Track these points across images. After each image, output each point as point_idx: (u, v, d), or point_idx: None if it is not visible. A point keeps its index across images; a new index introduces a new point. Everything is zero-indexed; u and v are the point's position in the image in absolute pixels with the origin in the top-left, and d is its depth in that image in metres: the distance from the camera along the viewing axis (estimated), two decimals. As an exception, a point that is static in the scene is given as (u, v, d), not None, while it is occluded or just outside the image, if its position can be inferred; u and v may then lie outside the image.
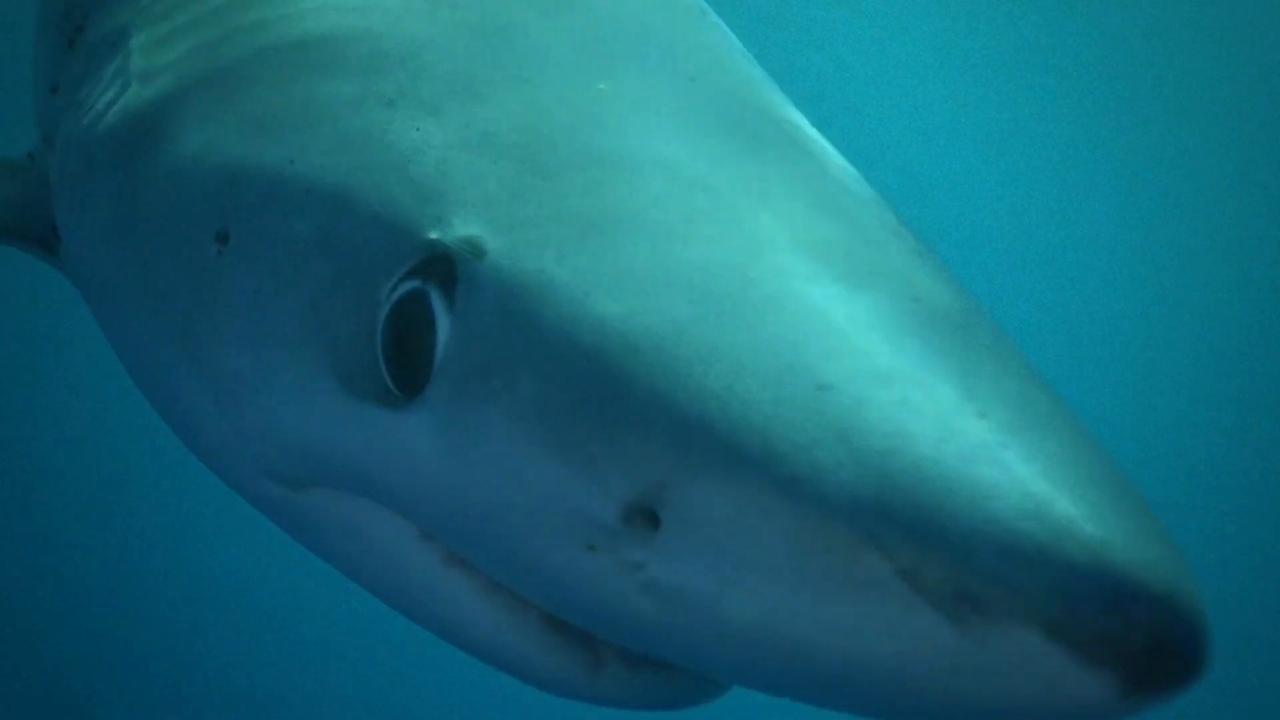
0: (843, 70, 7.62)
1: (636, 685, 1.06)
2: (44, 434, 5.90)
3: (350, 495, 1.12)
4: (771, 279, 0.93)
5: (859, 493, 0.80)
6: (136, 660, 5.72)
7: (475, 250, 0.99)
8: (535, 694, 1.15)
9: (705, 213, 1.00)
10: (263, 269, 1.13)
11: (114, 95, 1.40)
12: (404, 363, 1.02)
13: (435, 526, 1.07)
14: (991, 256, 7.15)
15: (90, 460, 5.86)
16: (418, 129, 1.11)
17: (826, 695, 0.88)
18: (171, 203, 1.23)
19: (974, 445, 0.80)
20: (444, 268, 1.00)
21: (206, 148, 1.21)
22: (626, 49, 1.23)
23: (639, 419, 0.88)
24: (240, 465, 1.23)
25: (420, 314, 1.01)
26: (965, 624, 0.77)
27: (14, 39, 2.38)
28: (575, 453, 0.91)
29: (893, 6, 7.85)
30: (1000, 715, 0.81)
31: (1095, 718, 0.77)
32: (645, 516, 0.88)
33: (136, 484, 5.79)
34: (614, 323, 0.91)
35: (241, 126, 1.20)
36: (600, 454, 0.89)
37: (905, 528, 0.79)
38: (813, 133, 1.20)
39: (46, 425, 5.90)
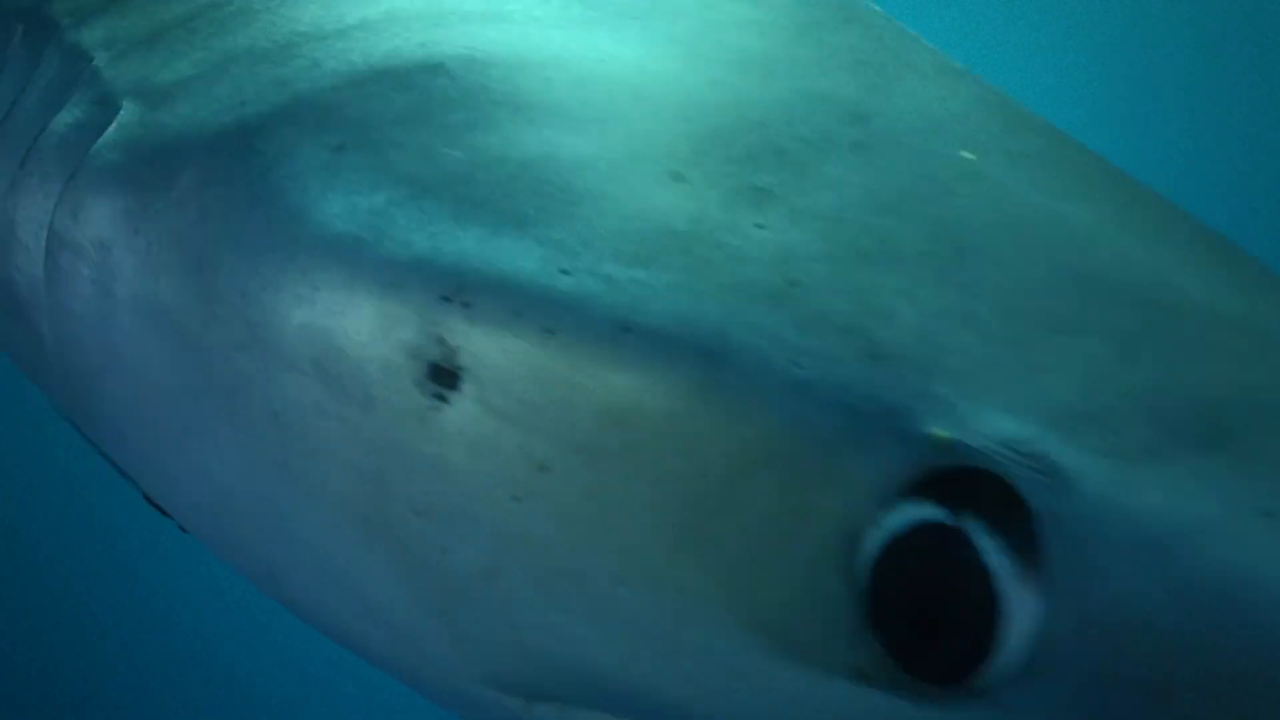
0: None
1: None
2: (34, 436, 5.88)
3: (618, 715, 0.78)
4: None
5: None
6: (133, 663, 5.72)
7: (1049, 471, 0.61)
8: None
9: None
10: (546, 445, 0.72)
11: (85, 116, 1.02)
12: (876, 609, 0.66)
13: None
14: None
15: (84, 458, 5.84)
16: (760, 225, 0.71)
17: None
18: (314, 310, 0.81)
19: None
20: (985, 488, 0.62)
21: (370, 227, 0.79)
22: (920, 92, 0.87)
23: None
24: (442, 670, 0.87)
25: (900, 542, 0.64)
26: None
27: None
28: None
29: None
30: None
31: None
32: None
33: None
34: None
35: (418, 196, 0.79)
36: None
37: None
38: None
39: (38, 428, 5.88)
